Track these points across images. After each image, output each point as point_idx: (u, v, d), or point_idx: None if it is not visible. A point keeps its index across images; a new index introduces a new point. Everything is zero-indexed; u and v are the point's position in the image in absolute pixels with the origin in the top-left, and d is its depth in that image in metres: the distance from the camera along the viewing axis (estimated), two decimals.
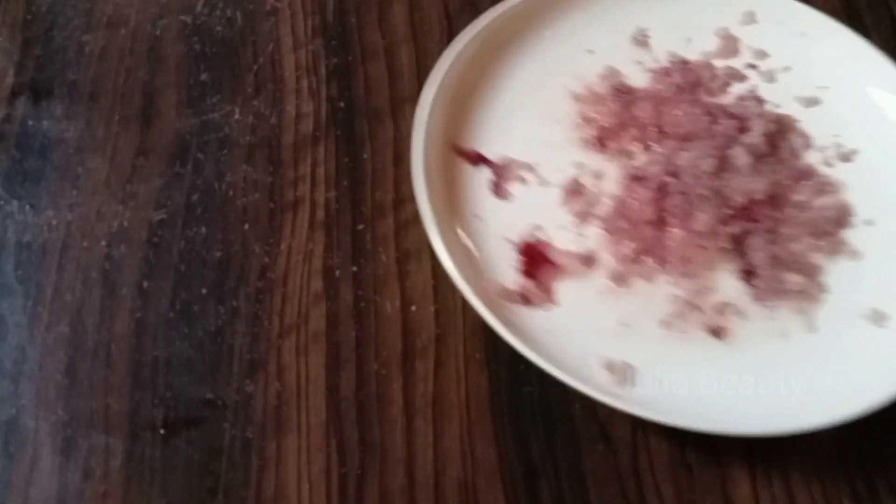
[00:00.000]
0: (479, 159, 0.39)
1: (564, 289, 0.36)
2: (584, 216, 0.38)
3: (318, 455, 0.34)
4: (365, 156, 0.41)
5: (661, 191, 0.37)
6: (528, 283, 0.36)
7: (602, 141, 0.39)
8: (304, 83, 0.43)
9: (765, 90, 0.41)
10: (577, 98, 0.41)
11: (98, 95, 0.43)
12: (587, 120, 0.40)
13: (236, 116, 0.42)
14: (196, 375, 0.36)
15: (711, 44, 0.42)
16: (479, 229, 0.37)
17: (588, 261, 0.37)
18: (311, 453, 0.34)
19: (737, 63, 0.42)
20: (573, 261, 0.36)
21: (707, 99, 0.41)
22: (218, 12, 0.45)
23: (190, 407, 0.35)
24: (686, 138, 0.39)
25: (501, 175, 0.39)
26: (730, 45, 0.42)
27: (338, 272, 0.38)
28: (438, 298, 0.37)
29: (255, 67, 0.43)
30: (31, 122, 0.42)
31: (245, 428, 0.35)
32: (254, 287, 0.37)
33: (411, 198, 0.39)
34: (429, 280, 0.37)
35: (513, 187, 0.38)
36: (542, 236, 0.37)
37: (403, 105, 0.42)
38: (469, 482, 0.33)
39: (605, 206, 0.38)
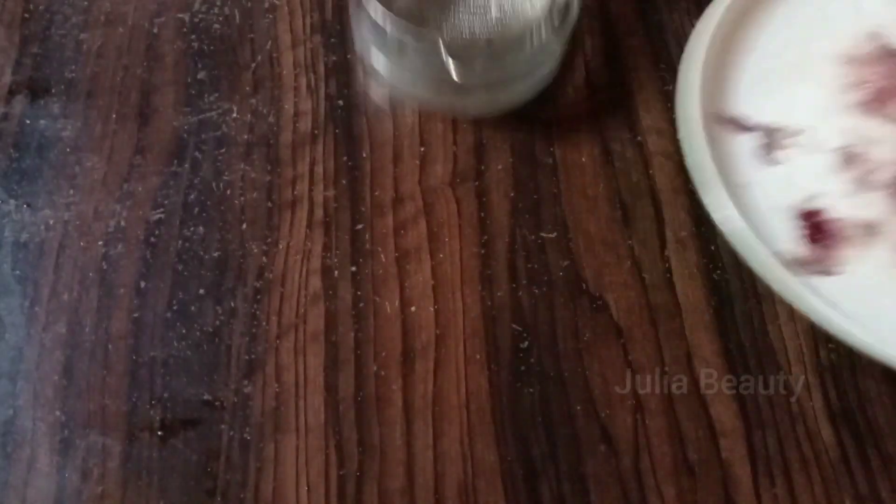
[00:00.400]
0: (745, 127, 0.38)
1: (848, 259, 0.35)
2: (863, 183, 0.36)
3: (317, 456, 0.34)
4: (364, 154, 0.40)
5: None
6: (815, 249, 0.35)
7: (875, 105, 0.38)
8: (303, 81, 0.42)
9: None
10: (842, 60, 0.39)
11: (95, 93, 0.43)
12: (857, 83, 0.39)
13: (234, 115, 0.42)
14: (194, 376, 0.35)
15: None
16: (749, 199, 0.36)
17: (872, 229, 0.35)
18: (310, 454, 0.34)
19: None
20: (857, 229, 0.35)
21: None
22: (216, 10, 0.45)
23: (187, 408, 0.35)
24: None
25: (771, 141, 0.37)
26: None
27: (336, 272, 0.37)
28: (438, 298, 0.37)
29: (254, 65, 0.43)
30: (28, 121, 0.42)
31: (243, 429, 0.34)
32: (252, 287, 0.37)
33: (411, 197, 0.39)
34: (428, 280, 0.37)
35: (782, 154, 0.37)
36: (818, 204, 0.36)
37: (403, 103, 0.42)
38: (469, 484, 0.33)
39: (887, 172, 0.36)
